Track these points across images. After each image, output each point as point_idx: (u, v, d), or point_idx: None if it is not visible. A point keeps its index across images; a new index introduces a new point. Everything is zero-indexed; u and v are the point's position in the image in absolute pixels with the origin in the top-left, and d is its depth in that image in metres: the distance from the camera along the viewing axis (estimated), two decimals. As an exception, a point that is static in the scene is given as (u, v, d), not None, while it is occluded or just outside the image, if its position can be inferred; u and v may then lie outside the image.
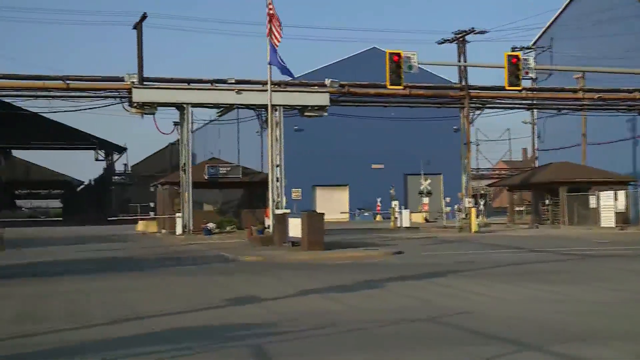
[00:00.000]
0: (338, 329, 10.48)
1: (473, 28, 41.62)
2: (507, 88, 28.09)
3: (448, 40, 42.42)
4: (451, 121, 51.15)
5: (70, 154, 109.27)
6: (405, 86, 34.32)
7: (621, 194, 41.84)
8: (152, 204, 51.24)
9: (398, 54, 25.96)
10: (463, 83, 42.55)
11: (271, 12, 29.88)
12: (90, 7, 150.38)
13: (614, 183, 44.78)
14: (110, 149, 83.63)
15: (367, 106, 44.02)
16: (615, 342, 9.53)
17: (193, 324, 11.07)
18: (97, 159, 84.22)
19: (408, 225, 44.40)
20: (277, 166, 35.44)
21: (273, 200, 32.92)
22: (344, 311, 12.31)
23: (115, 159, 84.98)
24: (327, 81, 39.83)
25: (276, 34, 29.08)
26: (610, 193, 41.85)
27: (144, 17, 36.94)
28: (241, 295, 14.33)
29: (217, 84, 38.73)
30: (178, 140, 42.29)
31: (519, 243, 30.10)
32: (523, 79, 27.78)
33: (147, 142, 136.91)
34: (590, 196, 43.18)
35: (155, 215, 47.34)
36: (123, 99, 37.28)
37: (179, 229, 37.34)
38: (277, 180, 35.14)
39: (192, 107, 38.99)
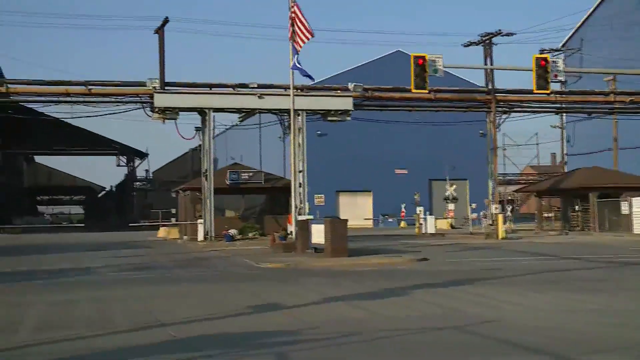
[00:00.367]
0: (363, 337, 10.34)
1: (500, 30, 40.83)
2: (535, 91, 27.53)
3: (474, 42, 41.72)
4: (477, 125, 50.44)
5: (91, 160, 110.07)
6: (430, 90, 33.74)
7: (654, 200, 40.82)
8: (173, 210, 51.05)
9: (423, 57, 25.53)
10: (489, 86, 41.87)
11: (293, 15, 29.48)
12: (111, 11, 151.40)
13: (647, 188, 43.75)
14: (132, 154, 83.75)
15: (391, 110, 43.47)
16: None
17: (215, 332, 10.94)
18: (118, 165, 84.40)
19: (433, 231, 43.89)
20: (300, 172, 35.14)
21: (296, 206, 32.63)
22: (369, 319, 12.12)
23: (136, 165, 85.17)
24: (351, 85, 39.46)
25: (301, 35, 28.60)
26: (643, 199, 40.85)
27: (165, 21, 36.75)
28: (264, 302, 14.13)
29: (239, 89, 38.47)
30: (199, 145, 42.01)
31: (549, 250, 29.41)
32: (552, 82, 27.21)
33: (168, 147, 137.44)
34: (622, 202, 42.24)
35: (176, 221, 47.13)
36: (144, 104, 37.14)
37: (200, 236, 37.05)
38: (300, 186, 34.84)
39: (214, 112, 38.77)
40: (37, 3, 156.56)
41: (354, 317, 12.20)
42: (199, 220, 37.66)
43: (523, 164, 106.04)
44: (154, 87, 36.13)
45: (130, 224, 59.03)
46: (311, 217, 31.27)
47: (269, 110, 39.80)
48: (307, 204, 35.88)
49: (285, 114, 37.30)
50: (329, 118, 39.05)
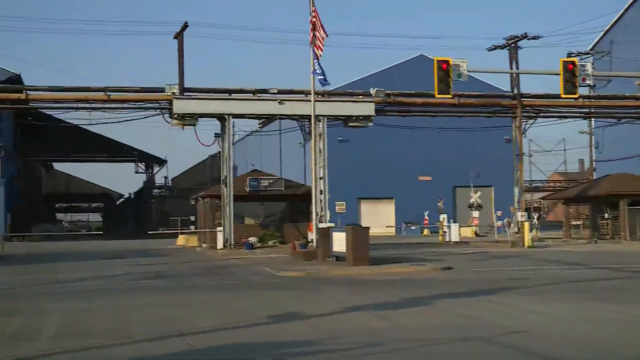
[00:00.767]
0: (386, 348, 10.07)
1: (526, 33, 39.80)
2: (563, 96, 26.88)
3: (499, 46, 40.83)
4: (502, 131, 49.59)
5: (110, 167, 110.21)
6: (453, 95, 33.27)
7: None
8: (192, 218, 50.68)
9: (446, 62, 25.13)
10: (515, 91, 41.01)
11: (314, 19, 29.06)
12: (131, 17, 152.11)
13: (679, 195, 42.61)
14: (150, 161, 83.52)
15: (414, 116, 42.76)
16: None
17: (233, 341, 10.80)
18: (137, 172, 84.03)
19: (457, 239, 43.32)
20: (321, 178, 34.68)
21: (316, 214, 32.23)
22: (392, 329, 11.88)
23: (155, 172, 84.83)
24: (373, 90, 38.95)
25: (321, 40, 28.22)
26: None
27: (185, 26, 36.47)
28: (283, 311, 13.92)
29: (259, 94, 38.04)
30: (219, 152, 41.63)
31: (577, 259, 28.69)
32: (580, 86, 26.61)
33: (187, 154, 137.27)
34: (654, 210, 41.19)
35: (195, 229, 46.81)
36: (163, 110, 36.89)
37: (219, 243, 36.66)
38: (321, 193, 34.38)
39: (234, 118, 38.36)
40: (54, 8, 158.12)
41: (376, 327, 12.01)
42: (218, 228, 37.27)
43: (550, 171, 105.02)
44: (173, 93, 35.84)
45: (149, 232, 58.77)
46: (332, 224, 30.83)
47: (289, 116, 39.33)
48: (328, 211, 35.43)
49: (306, 120, 36.83)
50: (350, 124, 38.55)
